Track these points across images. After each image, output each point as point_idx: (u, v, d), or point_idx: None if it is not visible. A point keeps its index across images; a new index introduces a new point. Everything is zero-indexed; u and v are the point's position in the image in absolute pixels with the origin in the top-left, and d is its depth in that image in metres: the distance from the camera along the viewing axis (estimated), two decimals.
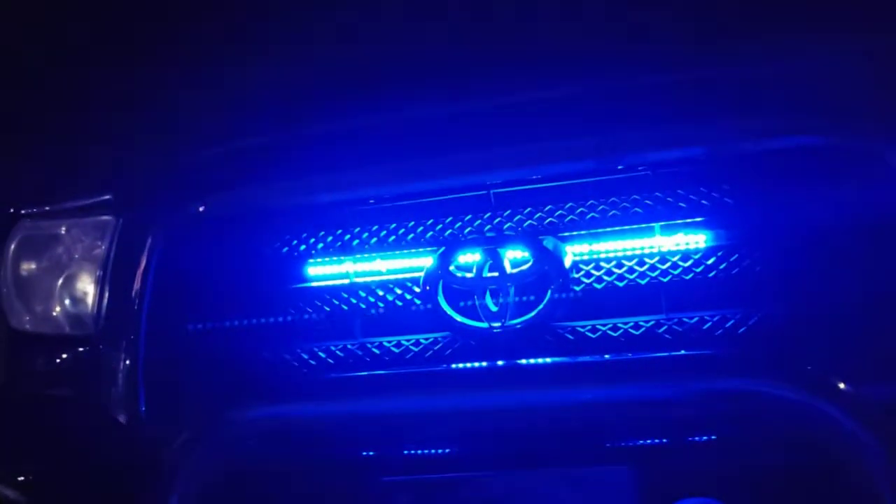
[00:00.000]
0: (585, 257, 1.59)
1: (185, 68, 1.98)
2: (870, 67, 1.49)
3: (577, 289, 1.57)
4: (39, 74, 2.20)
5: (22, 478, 1.80)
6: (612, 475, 1.52)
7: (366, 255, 1.69)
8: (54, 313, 1.81)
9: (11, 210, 1.87)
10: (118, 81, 2.03)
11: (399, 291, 1.67)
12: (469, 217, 1.65)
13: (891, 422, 1.38)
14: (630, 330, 1.54)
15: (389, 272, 1.67)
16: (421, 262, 1.64)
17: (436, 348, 1.61)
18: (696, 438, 1.51)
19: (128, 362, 1.72)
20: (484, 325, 1.56)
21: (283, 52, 1.92)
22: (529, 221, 1.62)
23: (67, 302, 1.80)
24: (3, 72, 2.19)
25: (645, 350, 1.52)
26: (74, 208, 1.84)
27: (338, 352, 1.67)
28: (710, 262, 1.54)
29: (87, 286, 1.79)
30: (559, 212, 1.62)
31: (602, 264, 1.58)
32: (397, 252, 1.67)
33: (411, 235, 1.68)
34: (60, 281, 1.81)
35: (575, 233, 1.59)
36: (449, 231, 1.66)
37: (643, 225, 1.57)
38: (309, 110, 1.77)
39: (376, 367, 1.63)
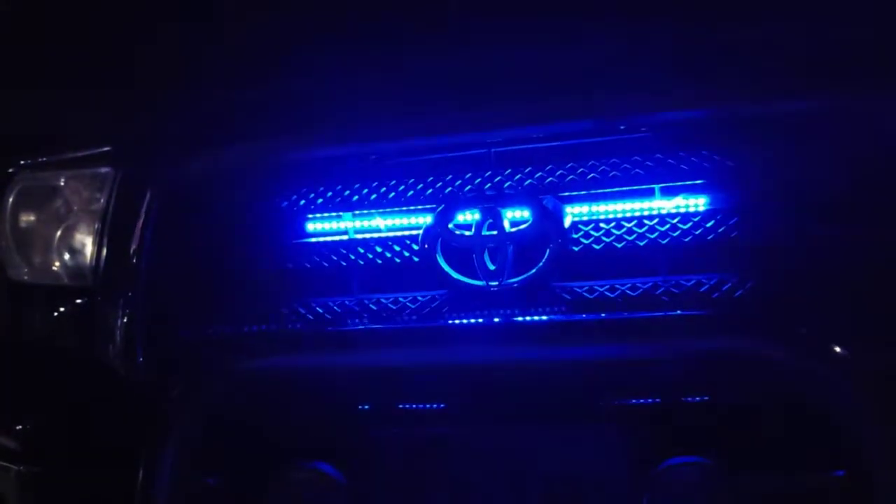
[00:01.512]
0: (585, 218, 1.58)
1: (184, 20, 1.97)
2: (871, 29, 1.48)
3: (576, 249, 1.57)
4: (40, 25, 2.19)
5: (19, 427, 1.81)
6: (604, 432, 1.53)
7: (365, 212, 1.68)
8: (53, 265, 1.81)
9: (10, 160, 1.87)
10: (119, 33, 2.01)
11: (398, 248, 1.67)
12: (469, 175, 1.64)
13: (884, 385, 1.39)
14: (627, 291, 1.54)
15: (388, 229, 1.67)
16: (420, 220, 1.64)
17: (433, 305, 1.61)
18: (689, 398, 1.52)
19: (125, 314, 1.72)
20: (481, 283, 1.56)
21: (284, 4, 1.91)
22: (530, 181, 1.61)
23: (66, 254, 1.80)
24: (6, 24, 2.18)
25: (641, 311, 1.52)
26: (73, 160, 1.83)
27: (335, 307, 1.67)
28: (709, 224, 1.53)
29: (85, 238, 1.79)
30: (560, 172, 1.60)
31: (601, 225, 1.58)
32: (397, 209, 1.67)
33: (411, 192, 1.67)
34: (59, 232, 1.81)
35: (575, 193, 1.58)
36: (449, 189, 1.65)
37: (643, 186, 1.56)
38: (310, 64, 1.76)
39: (373, 322, 1.63)
